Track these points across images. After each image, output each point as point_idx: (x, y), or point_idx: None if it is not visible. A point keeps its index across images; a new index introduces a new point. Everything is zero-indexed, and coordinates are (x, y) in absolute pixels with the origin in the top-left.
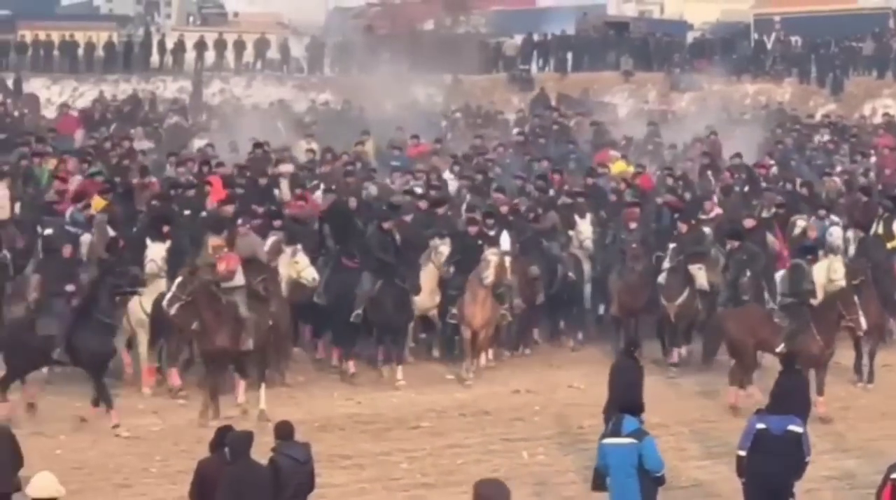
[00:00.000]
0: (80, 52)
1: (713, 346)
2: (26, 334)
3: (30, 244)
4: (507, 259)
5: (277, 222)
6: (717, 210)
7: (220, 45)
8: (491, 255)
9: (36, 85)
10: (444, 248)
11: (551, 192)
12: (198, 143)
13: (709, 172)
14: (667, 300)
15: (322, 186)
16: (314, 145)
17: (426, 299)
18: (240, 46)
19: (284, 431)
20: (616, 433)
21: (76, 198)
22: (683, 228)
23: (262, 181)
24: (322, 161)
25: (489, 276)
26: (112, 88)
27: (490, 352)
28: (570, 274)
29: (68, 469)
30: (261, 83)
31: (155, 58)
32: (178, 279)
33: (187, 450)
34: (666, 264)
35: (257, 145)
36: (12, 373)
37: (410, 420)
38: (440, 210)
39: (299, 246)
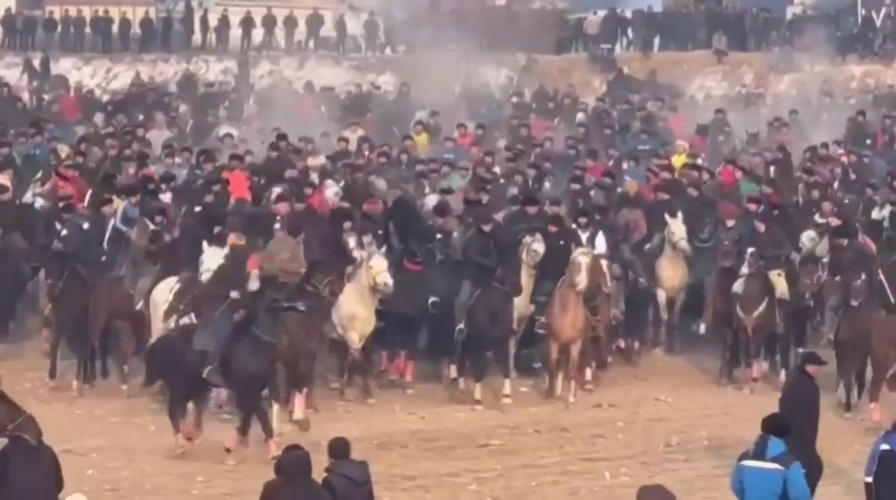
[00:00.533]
0: (115, 29)
1: (856, 362)
2: (181, 349)
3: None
4: (604, 263)
5: (347, 224)
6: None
7: (269, 22)
8: (581, 256)
9: (66, 66)
10: (538, 246)
11: (619, 189)
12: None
13: (771, 169)
14: (743, 312)
15: (329, 182)
16: (357, 135)
17: (522, 303)
18: (291, 23)
19: (340, 449)
20: (759, 455)
21: (130, 191)
22: (762, 227)
23: (291, 175)
24: (358, 153)
25: (581, 281)
26: (149, 69)
27: (588, 372)
28: (642, 280)
29: (101, 490)
30: (314, 64)
31: (197, 36)
32: (176, 287)
33: (232, 470)
34: (744, 270)
35: (280, 137)
36: (177, 397)
37: (479, 438)
38: (531, 209)
39: (374, 248)
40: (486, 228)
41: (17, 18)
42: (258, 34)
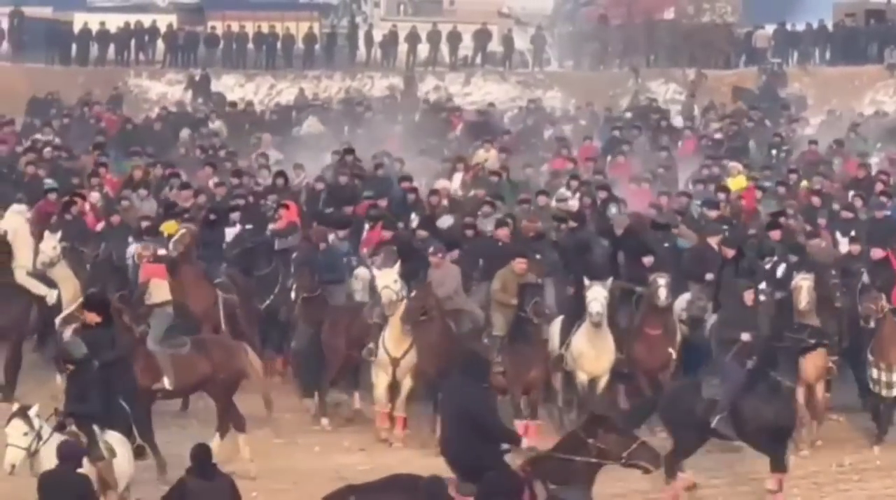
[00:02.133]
0: (278, 45)
1: None
2: (691, 399)
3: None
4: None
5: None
6: None
7: (435, 38)
8: (801, 280)
9: (228, 82)
10: (661, 281)
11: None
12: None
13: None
14: None
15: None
16: (491, 154)
17: None
18: (455, 38)
19: None
20: None
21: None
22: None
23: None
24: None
25: (802, 301)
26: (313, 85)
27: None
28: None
29: None
30: (480, 80)
31: (362, 51)
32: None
33: None
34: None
35: (347, 152)
36: (680, 448)
37: None
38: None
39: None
40: (647, 260)
41: (179, 34)
42: (423, 50)
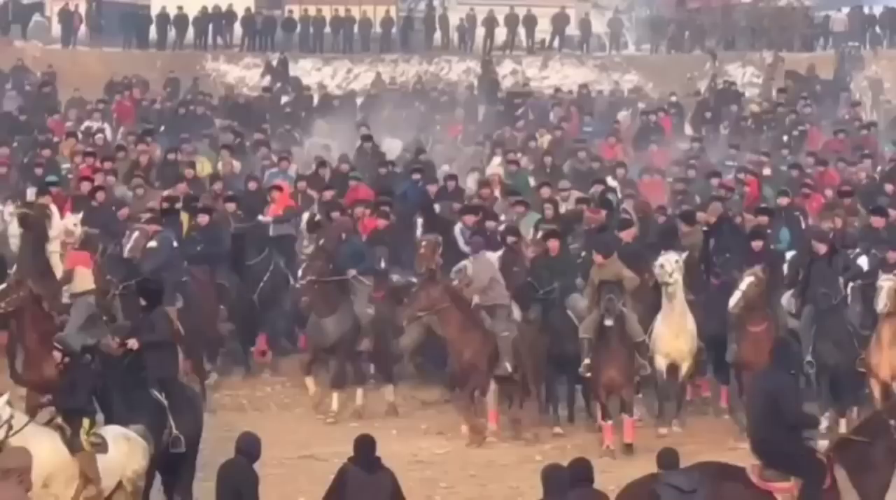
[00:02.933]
0: (356, 29)
1: None
2: None
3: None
4: None
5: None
6: None
7: (512, 21)
8: (885, 281)
9: (305, 66)
10: (748, 278)
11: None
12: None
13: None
14: None
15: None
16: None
17: None
18: (533, 22)
19: (669, 459)
20: None
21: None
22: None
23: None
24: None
25: (881, 303)
26: (390, 69)
27: None
28: None
29: None
30: (557, 63)
31: (438, 35)
32: (2, 287)
33: (476, 474)
34: None
35: (366, 138)
36: None
37: None
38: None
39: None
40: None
41: (257, 18)
42: (501, 33)
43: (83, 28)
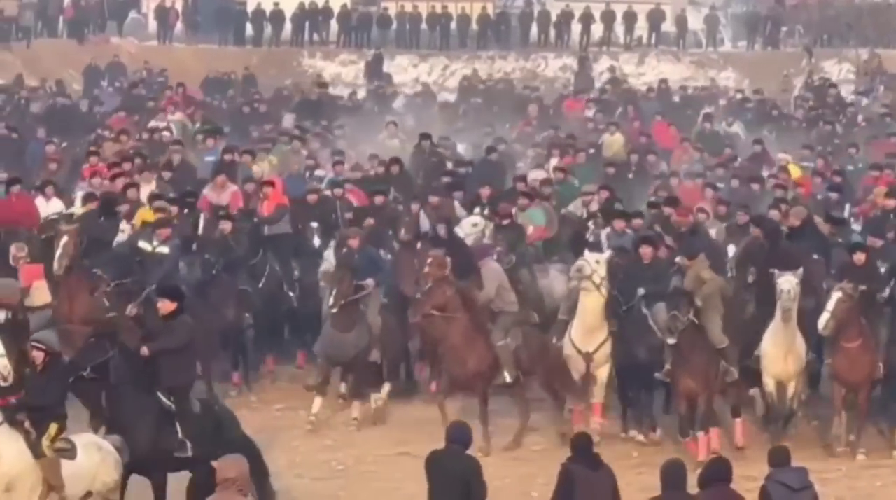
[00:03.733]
0: (452, 25)
1: None
2: None
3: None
4: None
5: None
6: None
7: (608, 18)
8: None
9: (402, 63)
10: (836, 295)
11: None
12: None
13: None
14: None
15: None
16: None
17: None
18: (630, 18)
19: (778, 456)
20: None
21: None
22: None
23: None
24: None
25: None
26: (487, 66)
27: None
28: None
29: None
30: (653, 60)
31: (535, 31)
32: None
33: None
34: None
35: (424, 137)
36: None
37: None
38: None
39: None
40: None
41: (353, 15)
42: (597, 30)
43: (179, 24)
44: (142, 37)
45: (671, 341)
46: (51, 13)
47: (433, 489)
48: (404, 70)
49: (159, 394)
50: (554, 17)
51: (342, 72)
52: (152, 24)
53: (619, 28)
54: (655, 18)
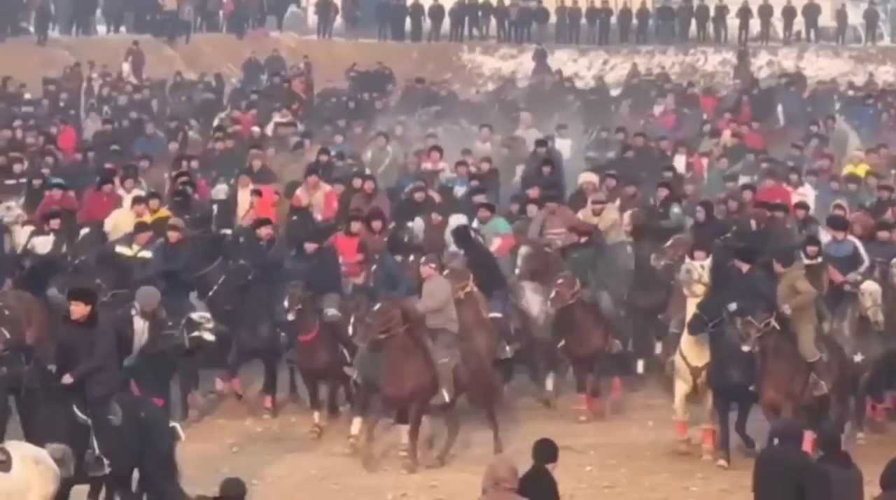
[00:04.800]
0: (612, 20)
1: None
2: None
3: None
4: None
5: None
6: None
7: (766, 12)
8: None
9: (562, 57)
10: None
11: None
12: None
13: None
14: None
15: None
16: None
17: None
18: (789, 13)
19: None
20: None
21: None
22: None
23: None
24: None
25: None
26: (646, 60)
27: None
28: None
29: (599, 487)
30: (812, 55)
31: (694, 26)
32: None
33: (732, 467)
34: None
35: (540, 143)
36: None
37: None
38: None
39: None
40: None
41: (512, 10)
42: (755, 24)
43: (339, 19)
44: (301, 31)
45: (745, 348)
46: (210, 8)
47: None
48: (564, 64)
49: (74, 406)
50: (713, 12)
51: (502, 66)
52: (312, 19)
53: (778, 24)
54: (812, 13)
